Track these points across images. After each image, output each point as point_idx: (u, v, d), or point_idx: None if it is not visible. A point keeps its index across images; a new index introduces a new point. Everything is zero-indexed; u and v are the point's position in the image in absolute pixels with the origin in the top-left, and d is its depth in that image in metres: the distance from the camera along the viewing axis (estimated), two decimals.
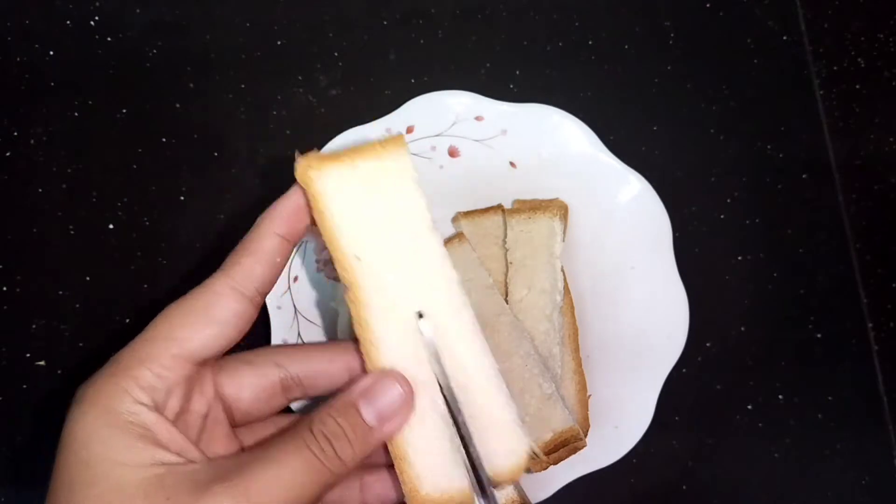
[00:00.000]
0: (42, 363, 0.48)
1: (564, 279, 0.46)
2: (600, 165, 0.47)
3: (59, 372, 0.48)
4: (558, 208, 0.46)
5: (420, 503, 0.33)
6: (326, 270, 0.47)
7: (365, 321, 0.34)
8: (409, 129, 0.48)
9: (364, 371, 0.34)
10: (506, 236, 0.46)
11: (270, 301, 0.45)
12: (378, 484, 0.35)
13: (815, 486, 0.48)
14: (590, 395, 0.45)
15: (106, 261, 0.49)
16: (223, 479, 0.29)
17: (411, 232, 0.35)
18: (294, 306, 0.46)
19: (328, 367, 0.35)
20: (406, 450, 0.33)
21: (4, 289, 0.49)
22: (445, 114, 0.48)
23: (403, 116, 0.47)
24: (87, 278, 0.49)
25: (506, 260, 0.46)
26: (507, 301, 0.45)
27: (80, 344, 0.48)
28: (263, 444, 0.31)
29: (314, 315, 0.46)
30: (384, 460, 0.35)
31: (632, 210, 0.47)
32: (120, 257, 0.49)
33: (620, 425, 0.45)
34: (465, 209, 0.48)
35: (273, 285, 0.34)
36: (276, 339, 0.45)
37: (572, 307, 0.46)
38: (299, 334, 0.45)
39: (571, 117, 0.47)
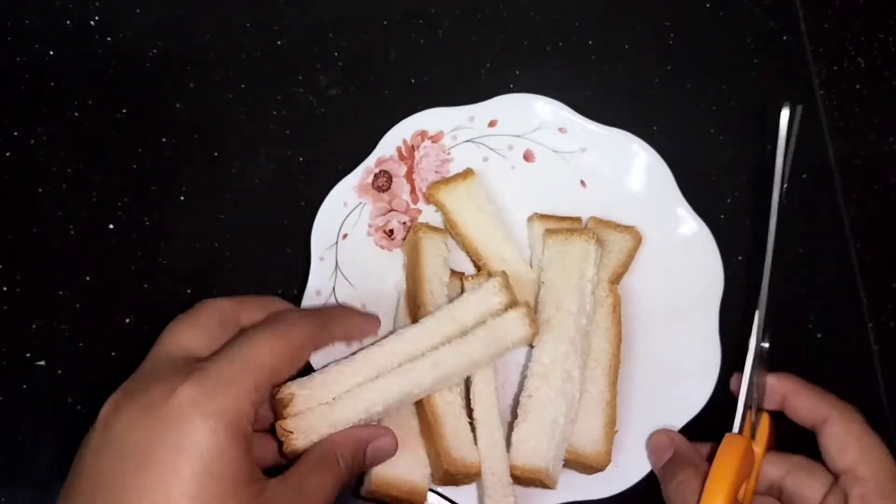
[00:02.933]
0: (42, 363, 0.48)
1: (618, 309, 0.46)
2: (667, 204, 0.48)
3: (59, 372, 0.48)
4: (597, 233, 0.45)
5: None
6: (376, 237, 0.47)
7: None
8: (493, 123, 0.48)
9: None
10: (542, 255, 0.45)
11: (315, 250, 0.46)
12: None
13: None
14: (616, 431, 0.44)
15: (106, 261, 0.49)
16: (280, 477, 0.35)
17: None
18: (336, 261, 0.46)
19: None
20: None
21: (4, 289, 0.49)
22: (531, 117, 0.48)
23: (489, 109, 0.48)
24: (87, 278, 0.49)
25: (538, 279, 0.45)
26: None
27: (80, 344, 0.48)
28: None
29: (353, 275, 0.46)
30: None
31: (689, 253, 0.47)
32: (120, 257, 0.49)
33: (620, 463, 0.44)
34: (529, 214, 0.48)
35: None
36: (311, 286, 0.46)
37: (619, 338, 0.46)
38: (334, 289, 0.46)
39: (651, 150, 0.48)
